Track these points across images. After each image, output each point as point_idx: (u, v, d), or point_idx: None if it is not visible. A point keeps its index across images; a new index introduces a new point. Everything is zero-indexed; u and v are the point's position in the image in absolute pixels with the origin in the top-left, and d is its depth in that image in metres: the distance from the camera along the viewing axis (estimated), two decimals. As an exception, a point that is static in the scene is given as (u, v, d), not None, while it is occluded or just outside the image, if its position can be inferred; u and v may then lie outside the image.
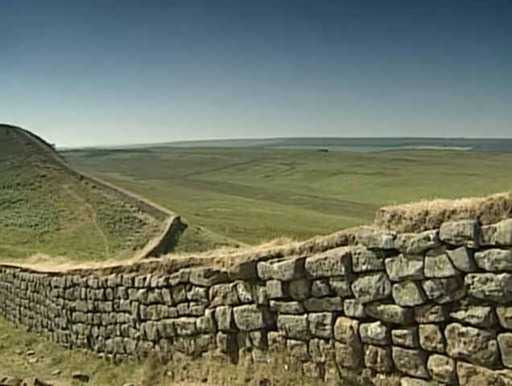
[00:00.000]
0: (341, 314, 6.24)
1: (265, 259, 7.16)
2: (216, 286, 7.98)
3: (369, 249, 5.79)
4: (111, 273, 11.01)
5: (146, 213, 74.21)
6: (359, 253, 5.90)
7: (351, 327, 6.06)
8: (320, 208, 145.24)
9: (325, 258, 6.24)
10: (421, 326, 5.44)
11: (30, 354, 13.54)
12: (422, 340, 5.42)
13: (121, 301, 10.57)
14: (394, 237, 5.50)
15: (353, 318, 6.10)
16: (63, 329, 13.31)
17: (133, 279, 10.09)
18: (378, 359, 5.84)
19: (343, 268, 6.02)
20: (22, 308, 16.44)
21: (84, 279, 11.94)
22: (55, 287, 13.48)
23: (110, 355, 11.08)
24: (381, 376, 5.83)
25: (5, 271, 18.17)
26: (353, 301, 6.06)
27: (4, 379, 8.59)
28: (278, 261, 6.87)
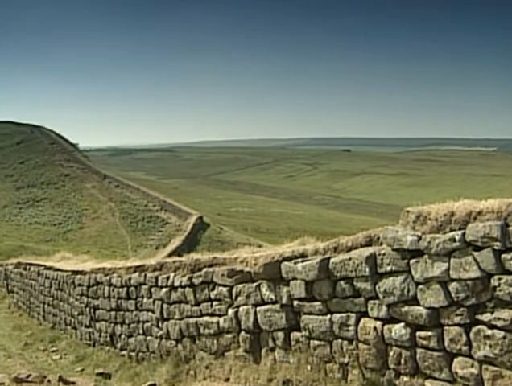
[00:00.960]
0: (365, 314, 6.21)
1: (288, 259, 7.15)
2: (240, 286, 7.99)
3: (393, 250, 5.75)
4: (134, 271, 11.06)
5: (169, 212, 74.44)
6: (384, 254, 5.86)
7: (375, 328, 6.03)
8: (342, 208, 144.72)
9: (349, 259, 6.21)
10: (446, 328, 5.39)
11: (53, 351, 13.68)
12: (446, 342, 5.37)
13: (145, 299, 10.62)
14: (419, 238, 5.46)
15: (377, 319, 6.06)
16: (86, 327, 13.42)
17: (156, 278, 10.13)
18: (402, 361, 5.80)
19: (367, 269, 5.99)
20: (46, 305, 16.60)
21: (108, 277, 12.03)
22: (79, 285, 13.59)
23: (133, 354, 11.15)
24: (405, 378, 5.78)
25: (29, 269, 18.38)
26: (377, 302, 6.02)
27: (28, 376, 8.68)
28: (302, 261, 6.85)
